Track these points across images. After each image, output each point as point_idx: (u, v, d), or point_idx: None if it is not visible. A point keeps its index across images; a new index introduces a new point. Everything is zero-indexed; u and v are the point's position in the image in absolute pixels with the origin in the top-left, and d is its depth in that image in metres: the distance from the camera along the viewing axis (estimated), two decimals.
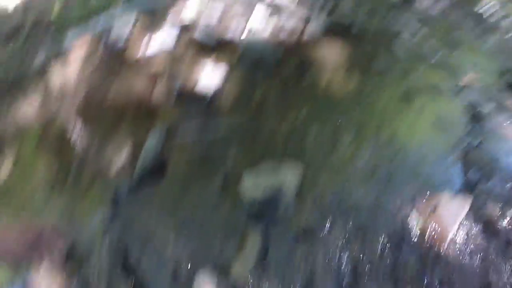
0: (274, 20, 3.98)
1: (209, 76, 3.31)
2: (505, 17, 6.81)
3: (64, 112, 3.14)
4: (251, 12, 4.03)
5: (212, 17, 4.27)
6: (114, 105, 3.13)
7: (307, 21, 3.95)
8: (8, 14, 4.68)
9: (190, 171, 2.49)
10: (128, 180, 2.42)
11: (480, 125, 2.92)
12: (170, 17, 4.37)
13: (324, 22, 3.92)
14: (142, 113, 3.05)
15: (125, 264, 2.08)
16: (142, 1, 5.37)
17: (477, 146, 2.56)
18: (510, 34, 6.30)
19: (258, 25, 3.98)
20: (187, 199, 2.34)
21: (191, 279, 2.02)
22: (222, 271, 2.00)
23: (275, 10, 4.05)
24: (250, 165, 2.38)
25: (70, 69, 3.87)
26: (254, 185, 2.27)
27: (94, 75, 3.63)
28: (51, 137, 2.94)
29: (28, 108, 3.42)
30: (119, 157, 2.61)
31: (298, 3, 4.13)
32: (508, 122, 3.15)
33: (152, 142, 2.72)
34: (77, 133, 2.83)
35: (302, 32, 3.86)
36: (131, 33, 4.43)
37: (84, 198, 2.29)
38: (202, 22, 4.20)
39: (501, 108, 3.43)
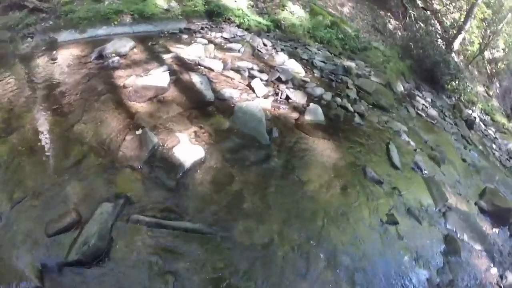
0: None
1: (189, 146, 3.48)
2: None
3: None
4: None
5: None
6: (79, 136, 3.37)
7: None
8: None
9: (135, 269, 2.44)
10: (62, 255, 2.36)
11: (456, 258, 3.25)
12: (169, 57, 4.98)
13: None
14: (103, 165, 3.14)
15: None
16: (145, 27, 5.80)
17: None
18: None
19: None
20: None
21: None
22: None
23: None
24: None
25: (55, 65, 4.43)
26: None
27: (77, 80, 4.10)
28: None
29: None
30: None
31: None
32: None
33: (101, 217, 2.59)
34: None
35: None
36: (126, 55, 4.97)
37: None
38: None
39: (476, 236, 3.75)
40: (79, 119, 3.50)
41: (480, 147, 7.19)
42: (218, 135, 3.65)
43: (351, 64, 7.54)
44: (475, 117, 8.97)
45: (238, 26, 6.84)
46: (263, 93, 4.65)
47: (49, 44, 4.88)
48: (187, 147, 3.26)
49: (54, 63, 4.45)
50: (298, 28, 7.99)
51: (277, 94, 4.85)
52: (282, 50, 6.67)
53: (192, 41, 5.54)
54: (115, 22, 5.49)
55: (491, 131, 8.96)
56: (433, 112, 7.46)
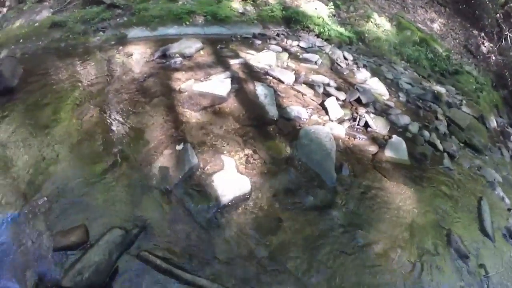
0: None
1: (234, 174, 2.80)
2: None
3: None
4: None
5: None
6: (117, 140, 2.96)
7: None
8: None
9: None
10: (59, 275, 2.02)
11: None
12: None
13: None
14: (131, 179, 2.64)
15: None
16: (217, 29, 5.41)
17: None
18: None
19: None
20: None
21: None
22: None
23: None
24: None
25: (117, 61, 4.27)
26: None
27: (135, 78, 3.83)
28: None
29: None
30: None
31: None
32: None
33: (106, 246, 2.13)
34: None
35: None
36: (191, 56, 4.49)
37: None
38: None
39: None
40: (124, 121, 3.14)
41: None
42: (274, 164, 2.92)
43: (441, 89, 6.34)
44: None
45: (317, 35, 6.11)
46: (337, 116, 3.82)
47: (119, 39, 4.78)
48: (231, 176, 2.61)
49: (117, 58, 4.28)
50: (384, 43, 6.96)
51: (354, 120, 3.97)
52: (364, 66, 5.74)
53: (265, 48, 4.97)
54: (187, 22, 5.22)
55: None
56: None
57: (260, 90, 3.72)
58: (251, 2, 6.09)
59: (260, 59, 4.48)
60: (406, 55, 7.15)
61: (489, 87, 7.76)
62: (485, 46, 9.19)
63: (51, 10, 5.49)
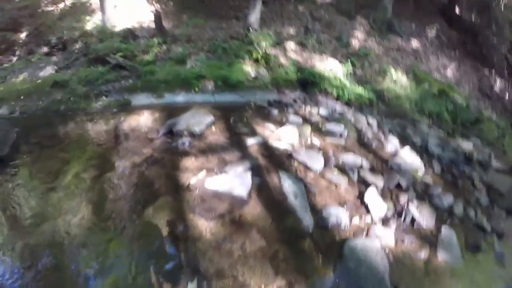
0: None
1: None
2: None
3: None
4: None
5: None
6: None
7: None
8: None
9: None
10: None
11: None
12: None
13: None
14: None
15: None
16: (229, 97, 4.88)
17: None
18: None
19: None
20: None
21: None
22: None
23: None
24: None
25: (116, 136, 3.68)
26: None
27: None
28: None
29: None
30: None
31: None
32: None
33: None
34: None
35: None
36: (201, 135, 3.83)
37: None
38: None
39: None
40: (111, 236, 2.43)
41: None
42: None
43: (469, 145, 5.94)
44: None
45: (336, 98, 5.62)
46: (380, 215, 3.15)
47: (122, 106, 4.25)
48: None
49: (118, 132, 3.70)
50: (404, 100, 6.51)
51: (399, 215, 3.29)
52: (390, 132, 5.19)
53: (283, 119, 4.41)
54: (196, 89, 4.71)
55: None
56: None
57: (287, 185, 3.06)
58: (264, 65, 5.68)
59: (281, 135, 3.88)
60: (427, 110, 6.71)
61: (510, 129, 7.41)
62: (497, 86, 8.86)
63: (55, 67, 5.06)
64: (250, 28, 6.38)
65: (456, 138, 6.08)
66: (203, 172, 3.06)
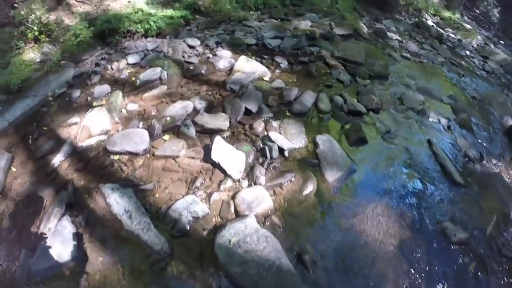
0: None
1: None
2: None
3: None
4: None
5: None
6: None
7: None
8: None
9: None
10: None
11: None
12: None
13: None
14: None
15: None
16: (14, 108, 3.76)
17: None
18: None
19: None
20: None
21: None
22: None
23: None
24: None
25: None
26: None
27: None
28: None
29: None
30: None
31: None
32: None
33: None
34: None
35: None
36: None
37: None
38: None
39: None
40: None
41: (463, 62, 6.21)
42: None
43: (306, 24, 5.80)
44: (432, 25, 7.98)
45: (145, 35, 4.93)
46: (240, 169, 2.74)
47: None
48: None
49: None
50: (223, 2, 6.01)
51: (263, 153, 2.91)
52: (218, 44, 4.86)
53: (88, 97, 3.73)
54: None
55: (452, 34, 7.96)
56: (412, 46, 6.23)
57: (115, 203, 2.48)
58: (47, 40, 4.53)
59: (90, 126, 3.25)
60: (251, 3, 6.39)
61: None
62: None
63: None
64: (14, 3, 4.78)
65: (291, 21, 5.90)
66: None
